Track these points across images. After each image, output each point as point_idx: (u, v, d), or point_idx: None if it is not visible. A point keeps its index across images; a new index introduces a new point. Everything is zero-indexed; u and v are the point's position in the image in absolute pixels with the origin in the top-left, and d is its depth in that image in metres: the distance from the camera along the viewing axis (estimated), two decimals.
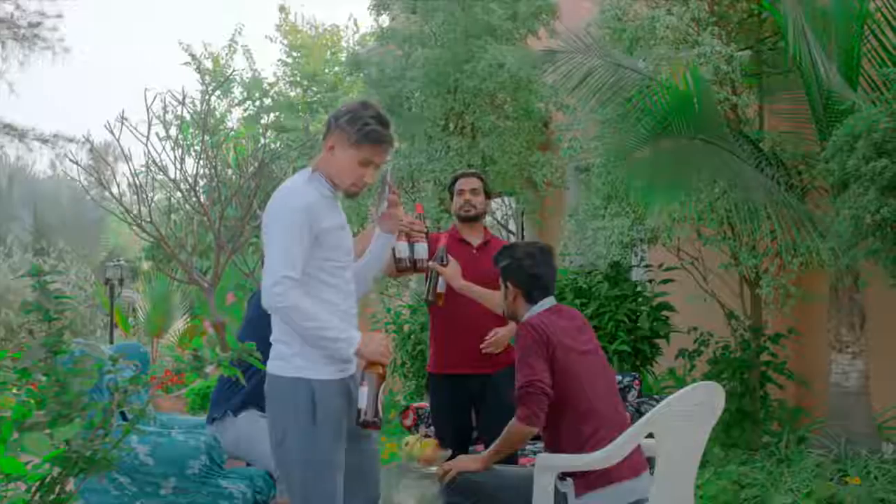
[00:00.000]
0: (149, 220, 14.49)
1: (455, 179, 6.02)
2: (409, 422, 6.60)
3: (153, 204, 15.93)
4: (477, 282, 5.30)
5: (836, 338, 7.60)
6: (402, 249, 4.65)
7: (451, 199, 6.01)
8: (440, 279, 5.19)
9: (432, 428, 6.34)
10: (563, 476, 4.23)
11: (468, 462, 4.58)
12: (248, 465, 5.25)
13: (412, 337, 10.91)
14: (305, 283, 3.84)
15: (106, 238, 32.37)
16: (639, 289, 9.27)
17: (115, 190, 14.77)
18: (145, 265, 23.69)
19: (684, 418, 3.99)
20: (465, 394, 5.71)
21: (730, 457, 7.73)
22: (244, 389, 5.04)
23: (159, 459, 4.91)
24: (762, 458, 7.46)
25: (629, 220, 8.75)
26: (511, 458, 4.91)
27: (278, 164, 17.82)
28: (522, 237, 13.40)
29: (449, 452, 5.33)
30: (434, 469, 5.15)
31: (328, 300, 3.91)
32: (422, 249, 4.71)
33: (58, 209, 33.30)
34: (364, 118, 3.91)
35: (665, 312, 9.03)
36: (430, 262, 4.97)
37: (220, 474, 4.98)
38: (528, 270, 4.63)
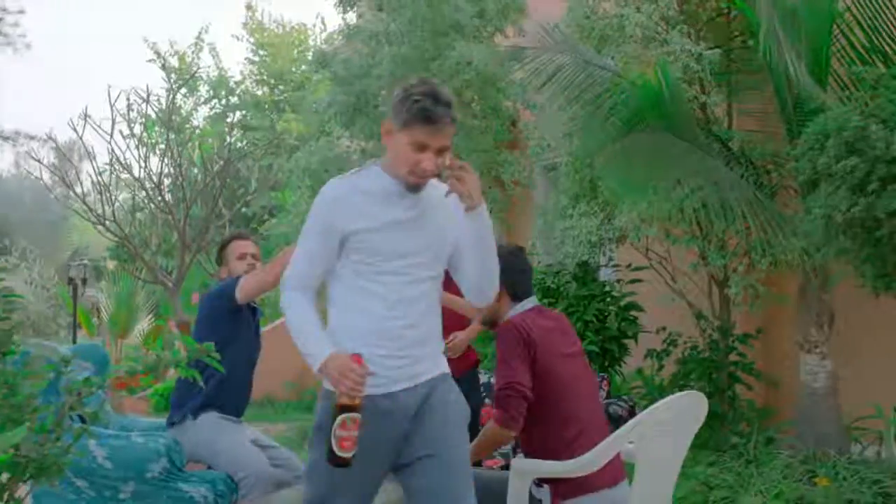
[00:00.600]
0: (112, 219, 14.41)
1: None
2: None
3: (118, 203, 15.83)
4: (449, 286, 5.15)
5: (805, 338, 7.56)
6: None
7: None
8: None
9: None
10: (539, 482, 4.11)
11: None
12: (210, 468, 5.14)
13: None
14: (341, 287, 3.53)
15: (70, 237, 32.08)
16: (607, 289, 9.21)
17: (78, 189, 14.67)
18: (110, 264, 23.47)
19: (666, 427, 3.89)
20: None
21: (698, 458, 7.66)
22: (203, 392, 4.95)
23: (118, 463, 4.78)
24: (731, 460, 7.39)
25: (597, 219, 8.71)
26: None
27: (244, 163, 17.77)
28: None
29: None
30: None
31: (366, 309, 3.47)
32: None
33: (21, 207, 32.95)
34: (414, 95, 3.37)
35: (633, 312, 8.99)
36: None
37: (180, 478, 4.86)
38: (516, 267, 4.44)
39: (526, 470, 4.01)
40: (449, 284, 5.08)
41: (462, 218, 3.47)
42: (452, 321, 5.25)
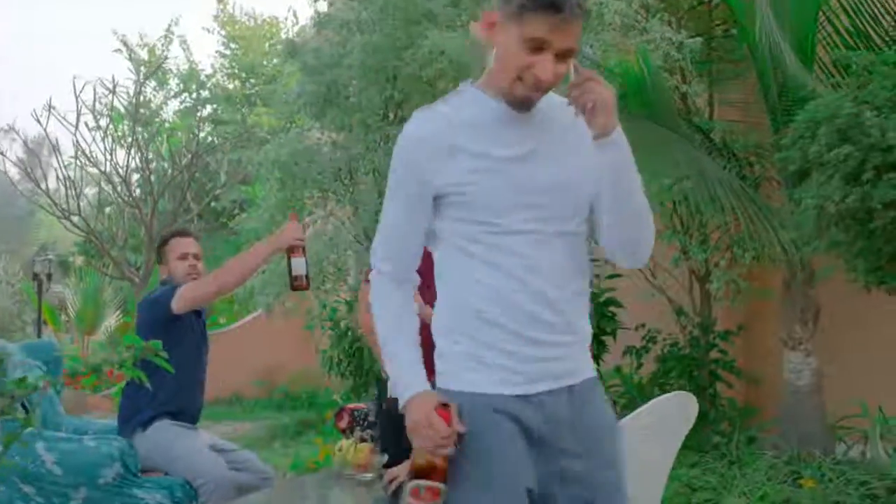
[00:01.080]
0: (78, 213, 14.21)
1: None
2: (343, 424, 6.15)
3: (83, 197, 15.57)
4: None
5: (789, 335, 7.40)
6: (300, 266, 4.62)
7: None
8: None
9: (368, 431, 5.96)
10: None
11: None
12: (166, 475, 4.83)
13: (349, 334, 10.54)
14: (446, 255, 2.61)
15: (38, 232, 31.65)
16: None
17: (44, 184, 14.46)
18: (77, 260, 23.09)
19: (654, 431, 3.61)
20: None
21: (680, 459, 7.45)
22: (152, 402, 4.71)
23: (68, 468, 4.47)
24: (713, 460, 7.21)
25: None
26: None
27: (214, 157, 17.49)
28: None
29: (385, 458, 4.97)
30: (369, 476, 4.80)
31: (489, 285, 2.50)
32: (299, 264, 4.62)
33: None
34: None
35: (612, 308, 8.69)
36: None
37: (135, 484, 4.55)
38: None
39: None
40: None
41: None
42: None
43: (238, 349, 15.51)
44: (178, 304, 4.75)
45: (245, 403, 15.33)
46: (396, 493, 3.87)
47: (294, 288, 4.63)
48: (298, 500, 4.61)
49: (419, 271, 2.71)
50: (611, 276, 8.83)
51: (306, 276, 4.62)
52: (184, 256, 5.07)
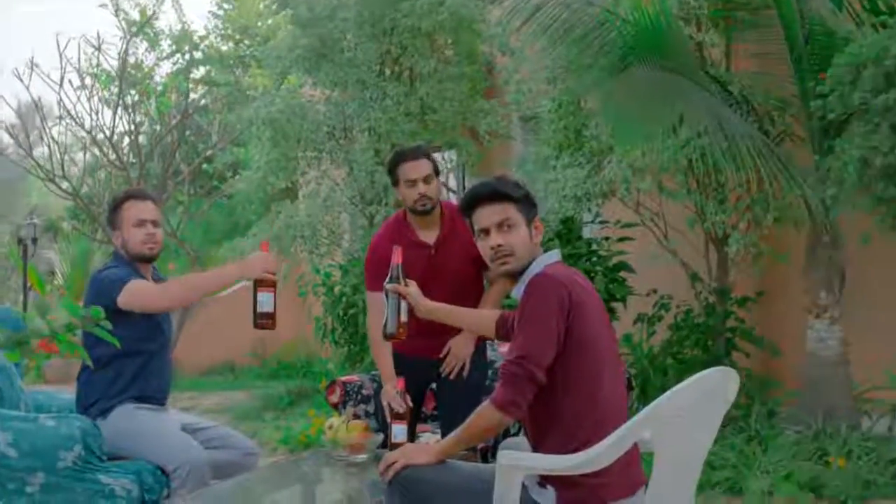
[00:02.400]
0: (62, 175, 13.74)
1: (397, 161, 4.74)
2: (335, 398, 5.67)
3: (72, 161, 15.13)
4: (441, 293, 4.10)
5: (813, 302, 7.02)
6: (267, 302, 4.07)
7: (396, 184, 4.78)
8: (402, 304, 3.82)
9: (362, 406, 5.48)
10: (542, 481, 3.27)
11: (418, 453, 3.36)
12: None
13: (344, 300, 10.06)
14: None
15: (30, 197, 31.11)
16: (594, 247, 8.42)
17: (37, 150, 14.02)
18: (67, 225, 22.60)
19: (690, 412, 3.08)
20: (423, 375, 4.80)
21: None
22: (110, 391, 4.28)
23: (24, 450, 3.94)
24: (731, 435, 6.77)
25: (584, 171, 7.96)
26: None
27: (205, 118, 16.98)
28: None
29: (381, 437, 4.48)
30: (362, 458, 4.32)
31: None
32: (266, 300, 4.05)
33: None
34: None
35: (622, 273, 8.19)
36: (387, 285, 3.83)
37: (99, 468, 4.04)
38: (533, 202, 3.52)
39: (518, 465, 3.15)
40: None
41: None
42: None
43: (230, 316, 15.10)
44: (123, 302, 4.21)
45: (238, 372, 14.98)
46: (394, 480, 3.34)
47: (258, 326, 4.02)
48: (283, 485, 4.11)
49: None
50: (621, 240, 8.35)
51: (272, 315, 4.02)
52: (140, 223, 4.50)
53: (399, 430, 4.16)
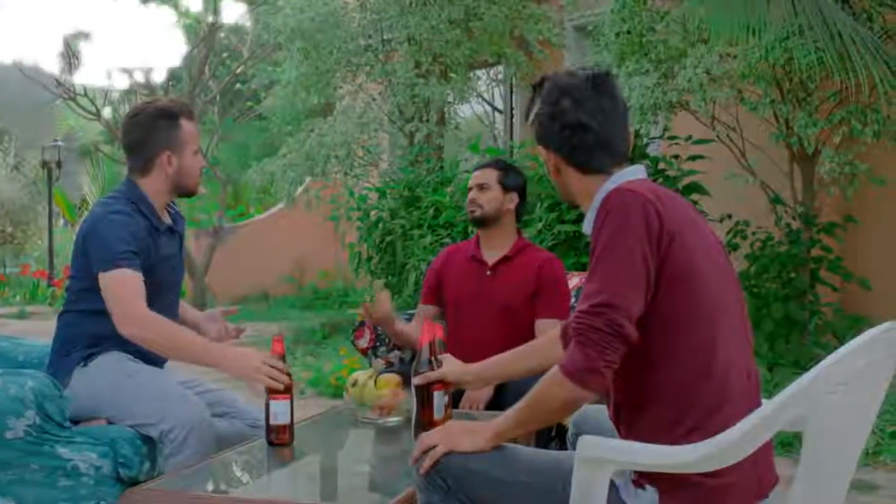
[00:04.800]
0: (83, 93, 13.50)
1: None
2: (364, 343, 4.79)
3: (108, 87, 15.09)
4: (489, 322, 4.10)
5: None
6: (282, 412, 3.17)
7: None
8: (437, 399, 3.11)
9: (396, 353, 4.60)
10: (640, 480, 2.30)
11: (465, 435, 2.44)
12: (110, 423, 3.45)
13: (380, 226, 9.37)
14: None
15: (66, 121, 30.57)
16: (661, 166, 7.77)
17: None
18: (104, 149, 22.11)
19: (861, 376, 2.17)
20: None
21: (775, 378, 6.45)
22: (97, 334, 3.42)
23: None
24: None
25: (652, 78, 7.11)
26: None
27: (237, 36, 16.48)
28: (511, 114, 11.73)
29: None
30: (394, 421, 3.46)
31: None
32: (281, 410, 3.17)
33: (5, 90, 31.35)
34: None
35: (694, 196, 7.51)
36: (413, 380, 3.14)
37: (59, 439, 3.19)
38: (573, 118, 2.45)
39: (604, 456, 2.21)
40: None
41: None
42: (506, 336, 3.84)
43: (265, 244, 14.61)
44: (102, 284, 3.34)
45: (272, 301, 14.49)
46: (431, 472, 2.44)
47: (271, 442, 3.13)
48: (297, 453, 3.24)
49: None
50: (692, 158, 7.65)
51: (289, 428, 3.18)
52: (199, 151, 3.64)
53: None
